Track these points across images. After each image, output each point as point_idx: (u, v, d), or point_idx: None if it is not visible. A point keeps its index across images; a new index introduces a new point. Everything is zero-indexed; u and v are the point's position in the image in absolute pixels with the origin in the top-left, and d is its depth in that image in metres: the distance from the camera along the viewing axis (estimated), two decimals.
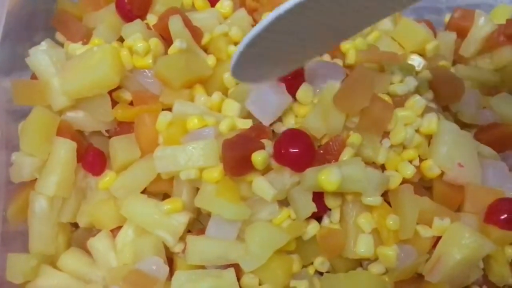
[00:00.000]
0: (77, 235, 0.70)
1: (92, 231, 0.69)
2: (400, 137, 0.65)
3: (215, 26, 0.75)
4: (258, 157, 0.61)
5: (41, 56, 0.69)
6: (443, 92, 0.76)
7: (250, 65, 0.56)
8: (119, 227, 0.67)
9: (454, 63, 0.89)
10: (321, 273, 0.67)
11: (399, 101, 0.68)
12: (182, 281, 0.60)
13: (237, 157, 0.60)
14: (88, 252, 0.68)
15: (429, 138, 0.67)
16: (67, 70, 0.68)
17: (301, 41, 0.54)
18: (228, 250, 0.62)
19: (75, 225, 0.71)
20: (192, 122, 0.65)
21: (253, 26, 0.79)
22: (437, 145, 0.66)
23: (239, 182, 0.63)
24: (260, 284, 0.63)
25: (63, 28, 0.81)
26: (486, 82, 0.86)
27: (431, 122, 0.66)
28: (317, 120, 0.66)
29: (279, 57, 0.58)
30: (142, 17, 0.76)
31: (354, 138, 0.63)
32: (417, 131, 0.66)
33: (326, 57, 0.76)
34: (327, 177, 0.59)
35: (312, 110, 0.67)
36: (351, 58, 0.76)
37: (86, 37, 0.77)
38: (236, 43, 0.76)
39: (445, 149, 0.65)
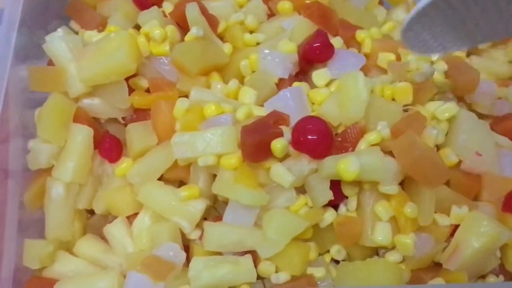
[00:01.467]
0: (93, 221, 0.71)
1: (108, 218, 0.69)
2: None
3: (230, 14, 0.76)
4: (278, 145, 0.60)
5: (58, 42, 0.69)
6: (458, 83, 0.76)
7: (419, 33, 0.55)
8: (135, 214, 0.67)
9: (468, 54, 0.88)
10: (337, 261, 0.67)
11: (417, 89, 0.68)
12: (199, 267, 0.60)
13: (256, 143, 0.60)
14: (104, 238, 0.68)
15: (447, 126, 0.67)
16: (83, 57, 0.68)
17: (472, 19, 0.53)
18: (245, 236, 0.62)
19: (91, 212, 0.71)
20: (210, 109, 0.65)
21: (268, 15, 0.79)
22: (455, 133, 0.66)
23: (257, 169, 0.63)
24: (276, 271, 0.63)
25: (78, 17, 0.81)
26: (501, 74, 0.85)
27: (451, 109, 0.65)
28: (333, 108, 0.66)
29: (450, 32, 0.56)
30: (158, 5, 0.76)
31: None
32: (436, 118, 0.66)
33: (342, 46, 0.75)
34: (346, 166, 0.59)
35: (329, 97, 0.67)
36: (366, 47, 0.76)
37: (101, 26, 0.77)
38: (251, 31, 0.76)
39: (463, 137, 0.65)
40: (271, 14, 0.79)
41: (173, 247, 0.62)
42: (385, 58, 0.74)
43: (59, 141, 0.67)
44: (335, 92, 0.67)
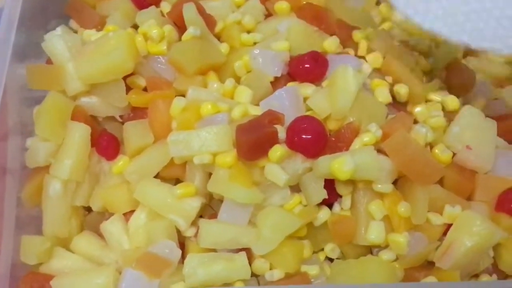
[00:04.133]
0: (90, 219, 0.71)
1: (105, 215, 0.70)
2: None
3: (228, 14, 0.76)
4: (277, 152, 0.61)
5: (57, 41, 0.70)
6: (454, 83, 0.76)
7: None
8: (132, 211, 0.68)
9: (465, 55, 0.89)
10: (331, 260, 0.67)
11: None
12: (194, 263, 0.61)
13: (250, 141, 0.61)
14: (101, 236, 0.69)
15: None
16: (82, 55, 0.68)
17: None
18: (240, 234, 0.63)
19: (88, 209, 0.72)
20: (206, 108, 0.66)
21: (266, 15, 0.80)
22: (450, 126, 0.66)
23: (251, 167, 0.63)
24: (271, 268, 0.63)
25: (77, 16, 0.81)
26: (497, 75, 0.86)
27: (454, 101, 0.68)
28: (322, 99, 0.66)
29: None
30: (156, 5, 0.77)
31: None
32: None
33: (338, 46, 0.76)
34: (340, 166, 0.60)
35: (318, 91, 0.68)
36: (362, 49, 0.76)
37: (99, 25, 0.78)
38: (249, 31, 0.76)
39: (456, 129, 0.66)
40: (269, 14, 0.80)
41: (168, 244, 0.63)
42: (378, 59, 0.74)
43: (57, 139, 0.67)
44: (325, 86, 0.68)
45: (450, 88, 0.76)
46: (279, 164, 0.62)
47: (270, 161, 0.62)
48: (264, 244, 0.61)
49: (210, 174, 0.65)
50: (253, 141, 0.61)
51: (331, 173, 0.60)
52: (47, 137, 0.67)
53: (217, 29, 0.75)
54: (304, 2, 0.76)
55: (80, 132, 0.67)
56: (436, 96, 0.72)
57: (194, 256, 0.62)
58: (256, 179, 0.63)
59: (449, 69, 0.79)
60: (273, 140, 0.62)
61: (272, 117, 0.64)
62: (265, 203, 0.63)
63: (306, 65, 0.69)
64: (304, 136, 0.62)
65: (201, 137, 0.63)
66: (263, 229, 0.61)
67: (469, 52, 0.90)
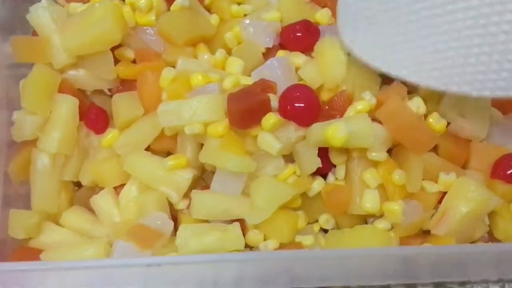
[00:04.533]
0: (79, 194, 0.70)
1: (95, 190, 0.68)
2: None
3: None
4: (270, 120, 0.60)
5: (42, 12, 0.68)
6: None
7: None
8: (122, 185, 0.66)
9: None
10: (325, 231, 0.67)
11: None
12: (187, 234, 0.60)
13: (243, 109, 0.60)
14: (91, 211, 0.67)
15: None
16: (68, 27, 0.67)
17: None
18: (233, 204, 0.62)
19: (78, 185, 0.70)
20: (196, 79, 0.64)
21: None
22: (444, 96, 0.66)
23: (244, 137, 0.62)
24: (265, 240, 0.63)
25: None
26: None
27: None
28: (313, 70, 0.65)
29: None
30: None
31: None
32: None
33: (330, 18, 0.74)
34: (334, 132, 0.59)
35: (306, 63, 0.67)
36: None
37: None
38: (239, 3, 0.75)
39: (450, 99, 0.65)
40: None
41: (160, 216, 0.62)
42: None
43: (44, 112, 0.66)
44: (315, 56, 0.67)
45: None
46: (272, 132, 0.61)
47: (263, 129, 0.61)
48: (257, 213, 0.60)
49: (201, 146, 0.64)
50: (246, 108, 0.60)
51: (325, 140, 0.59)
52: (34, 110, 0.66)
53: (207, 1, 0.74)
54: None
55: (68, 105, 0.66)
56: None
57: (186, 227, 0.61)
58: (249, 149, 0.62)
59: None
60: (266, 108, 0.61)
61: (265, 85, 0.63)
62: (258, 173, 0.62)
63: (297, 34, 0.68)
64: (297, 104, 0.61)
65: (192, 106, 0.61)
66: (256, 198, 0.61)
67: None
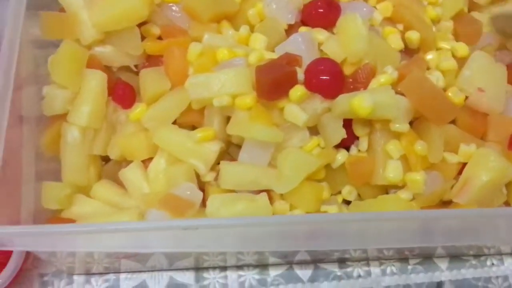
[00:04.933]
0: (108, 168, 0.71)
1: (123, 164, 0.70)
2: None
3: None
4: (297, 92, 0.62)
5: None
6: (461, 33, 0.77)
7: None
8: (150, 159, 0.68)
9: (469, 10, 0.90)
10: (348, 203, 0.68)
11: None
12: (217, 204, 0.61)
13: (271, 81, 0.61)
14: (120, 184, 0.69)
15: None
16: (95, 3, 0.68)
17: None
18: (261, 175, 0.63)
19: (106, 160, 0.72)
20: (222, 53, 0.66)
21: None
22: (463, 70, 0.68)
23: (270, 109, 0.64)
24: (291, 210, 0.64)
25: None
26: (501, 29, 0.87)
27: (463, 48, 0.69)
28: (335, 45, 0.67)
29: None
30: None
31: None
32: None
33: None
34: (360, 102, 0.61)
35: (328, 38, 0.68)
36: None
37: None
38: None
39: (467, 73, 0.67)
40: None
41: (190, 186, 0.63)
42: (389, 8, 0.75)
43: (73, 87, 0.67)
44: (337, 31, 0.69)
45: (457, 38, 0.77)
46: (299, 104, 0.62)
47: (291, 101, 0.62)
48: (285, 183, 0.62)
49: (228, 119, 0.66)
50: (274, 80, 0.61)
51: (350, 110, 0.61)
52: (64, 83, 0.67)
53: None
54: None
55: (97, 79, 0.67)
56: (445, 44, 0.73)
57: (216, 196, 0.62)
58: (275, 121, 0.64)
59: (456, 19, 0.79)
60: (293, 80, 0.62)
61: (290, 59, 0.64)
62: (285, 145, 0.64)
63: (320, 10, 0.69)
64: (322, 77, 0.63)
65: (220, 79, 0.63)
66: (283, 168, 0.62)
67: (473, 7, 0.91)
